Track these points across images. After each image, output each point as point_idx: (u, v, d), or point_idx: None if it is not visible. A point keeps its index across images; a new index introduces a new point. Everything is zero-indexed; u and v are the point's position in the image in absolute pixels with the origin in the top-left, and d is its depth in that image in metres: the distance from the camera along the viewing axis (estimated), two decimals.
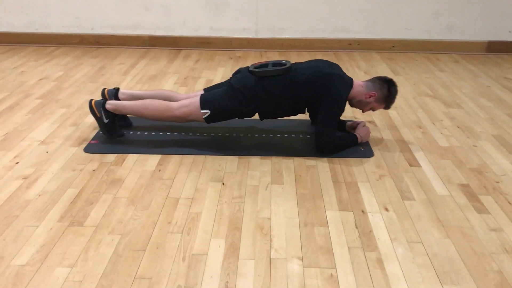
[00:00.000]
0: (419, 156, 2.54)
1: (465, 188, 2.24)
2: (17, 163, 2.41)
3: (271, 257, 1.77)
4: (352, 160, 2.49)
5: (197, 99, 2.58)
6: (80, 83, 3.60)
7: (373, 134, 2.80)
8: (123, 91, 2.83)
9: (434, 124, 2.95)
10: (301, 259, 1.76)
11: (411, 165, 2.45)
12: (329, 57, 4.38)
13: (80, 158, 2.47)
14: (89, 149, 2.57)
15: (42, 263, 1.72)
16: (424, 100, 3.35)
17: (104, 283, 1.63)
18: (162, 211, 2.03)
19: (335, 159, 2.50)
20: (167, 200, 2.11)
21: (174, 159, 2.48)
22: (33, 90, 3.42)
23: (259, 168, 2.40)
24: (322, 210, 2.05)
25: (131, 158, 2.48)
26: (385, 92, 2.58)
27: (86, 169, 2.37)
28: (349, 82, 2.56)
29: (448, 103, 3.30)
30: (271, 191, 2.19)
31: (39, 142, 2.64)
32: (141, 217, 1.99)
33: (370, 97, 2.59)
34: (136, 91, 2.85)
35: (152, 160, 2.46)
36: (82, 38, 4.60)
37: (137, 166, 2.40)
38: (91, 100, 2.64)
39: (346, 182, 2.28)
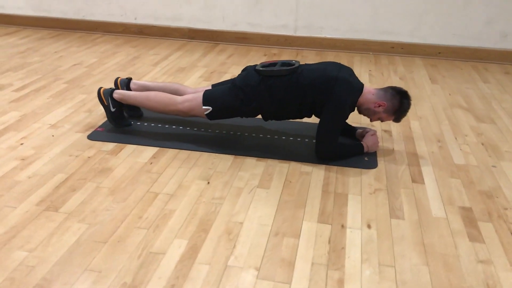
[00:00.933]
0: (427, 172, 2.36)
1: (466, 212, 2.05)
2: (21, 144, 2.50)
3: (228, 264, 1.71)
4: (351, 170, 2.35)
5: (201, 94, 2.55)
6: (110, 71, 3.68)
7: (385, 144, 2.64)
8: (135, 81, 2.85)
9: (456, 138, 2.73)
10: (258, 270, 1.68)
11: (413, 181, 2.27)
12: (369, 59, 4.19)
13: (81, 145, 2.51)
14: (92, 136, 2.62)
15: (4, 245, 1.76)
16: (454, 112, 3.11)
17: (54, 271, 1.64)
18: (137, 205, 2.02)
19: (334, 168, 2.37)
20: (146, 195, 2.10)
21: (170, 153, 2.46)
22: (63, 75, 3.54)
23: (251, 169, 2.33)
24: (300, 220, 1.95)
25: (129, 148, 2.49)
26: (396, 104, 2.42)
27: (83, 155, 2.40)
28: (357, 87, 2.42)
29: (480, 117, 3.05)
30: (254, 195, 2.12)
31: (49, 125, 2.73)
32: (115, 209, 1.99)
33: (379, 106, 2.43)
34: (148, 82, 2.86)
35: (148, 152, 2.46)
36: (126, 27, 4.71)
37: (132, 157, 2.41)
38: (100, 89, 2.68)
39: (336, 193, 2.16)
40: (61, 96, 3.15)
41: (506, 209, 2.08)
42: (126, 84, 2.84)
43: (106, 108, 2.68)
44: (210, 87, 2.72)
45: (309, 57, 4.22)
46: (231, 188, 2.16)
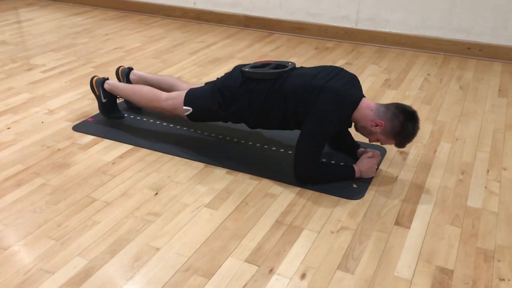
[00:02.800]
0: (422, 213, 1.88)
1: (442, 276, 1.57)
2: (8, 128, 2.49)
3: None
4: (328, 198, 1.96)
5: (184, 93, 2.32)
6: (143, 57, 3.59)
7: (390, 170, 2.18)
8: (135, 71, 2.70)
9: (488, 171, 2.17)
10: None
11: (396, 223, 1.82)
12: (435, 61, 3.59)
13: (62, 135, 2.43)
14: (78, 126, 2.52)
15: None
16: (507, 136, 2.49)
17: None
18: (66, 210, 1.87)
19: (308, 192, 2.00)
20: (83, 200, 1.93)
21: (141, 153, 2.28)
22: (97, 59, 3.52)
23: (213, 183, 2.05)
24: (224, 256, 1.64)
25: (104, 143, 2.35)
26: (397, 126, 1.96)
27: (54, 147, 2.32)
28: (349, 100, 2.00)
29: None
30: (195, 216, 1.85)
31: (47, 111, 2.69)
32: (43, 211, 1.86)
33: (376, 126, 1.99)
34: (147, 73, 2.69)
35: (119, 149, 2.30)
36: (184, 11, 4.60)
37: (99, 154, 2.26)
38: (93, 78, 2.57)
39: (290, 226, 1.80)
40: (79, 80, 3.12)
41: (502, 280, 1.57)
42: (126, 74, 2.70)
43: (98, 98, 2.57)
44: (202, 85, 2.47)
45: (366, 54, 3.74)
46: (176, 204, 1.91)
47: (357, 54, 3.74)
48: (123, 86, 2.50)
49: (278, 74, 2.12)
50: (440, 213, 1.89)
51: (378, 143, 2.15)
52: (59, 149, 2.30)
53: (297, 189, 2.03)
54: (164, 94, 2.38)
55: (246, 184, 2.05)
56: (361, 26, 3.98)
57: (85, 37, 4.03)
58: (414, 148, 2.37)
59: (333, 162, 2.23)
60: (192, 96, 2.29)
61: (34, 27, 4.26)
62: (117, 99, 2.61)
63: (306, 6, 4.11)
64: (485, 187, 2.06)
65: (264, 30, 4.30)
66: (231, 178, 2.09)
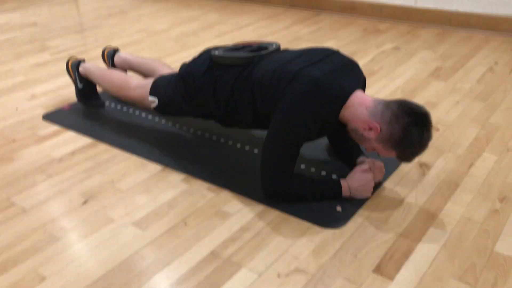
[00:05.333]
0: (420, 256, 1.31)
1: None
2: None
3: None
4: (295, 224, 1.46)
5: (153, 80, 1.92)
6: (163, 40, 3.24)
7: (399, 189, 1.61)
8: (120, 54, 2.35)
9: None
10: None
11: (377, 271, 1.28)
12: (511, 47, 2.85)
13: (27, 124, 2.15)
14: (49, 116, 2.23)
15: None
16: None
17: None
18: None
19: (274, 213, 1.51)
20: (1, 203, 1.61)
21: (98, 149, 1.92)
22: (115, 41, 3.23)
23: (158, 193, 1.63)
24: None
25: (65, 136, 2.03)
26: (397, 131, 1.40)
27: (10, 137, 2.04)
28: (333, 93, 1.46)
29: None
30: (112, 237, 1.44)
31: (30, 96, 2.44)
32: None
33: (369, 130, 1.45)
34: (130, 55, 2.32)
35: (76, 144, 1.96)
36: None
37: (52, 149, 1.94)
38: (69, 59, 2.26)
39: (228, 261, 1.33)
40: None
41: None
42: (111, 56, 2.36)
43: (74, 82, 2.26)
44: None
45: (422, 38, 3.07)
46: (99, 218, 1.53)
47: (412, 38, 3.08)
48: (95, 69, 2.16)
49: (249, 58, 1.64)
50: (448, 259, 1.31)
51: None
52: (14, 140, 2.02)
53: (261, 207, 1.54)
54: (135, 81, 1.99)
55: (199, 196, 1.61)
56: (422, 4, 3.30)
57: (116, 18, 3.78)
58: (441, 159, 1.76)
59: (323, 173, 1.71)
60: (157, 85, 1.88)
61: (71, 9, 4.10)
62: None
63: None
64: None
65: (311, 10, 3.76)
66: (184, 188, 1.66)
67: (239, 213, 1.52)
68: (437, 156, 1.78)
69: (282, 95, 1.47)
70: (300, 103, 1.44)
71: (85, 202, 1.60)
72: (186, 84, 1.75)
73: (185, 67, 1.79)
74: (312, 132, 1.48)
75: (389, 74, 2.53)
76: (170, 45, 3.12)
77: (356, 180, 1.54)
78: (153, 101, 1.87)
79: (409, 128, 1.39)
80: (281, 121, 1.47)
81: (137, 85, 1.96)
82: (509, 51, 2.79)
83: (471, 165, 1.72)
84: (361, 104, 1.47)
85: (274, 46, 1.72)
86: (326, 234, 1.42)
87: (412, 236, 1.40)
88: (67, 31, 3.49)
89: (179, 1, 4.26)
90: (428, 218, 1.47)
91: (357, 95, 1.49)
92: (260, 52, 1.65)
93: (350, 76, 1.55)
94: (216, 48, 1.78)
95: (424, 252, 1.33)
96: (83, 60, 2.23)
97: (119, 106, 2.28)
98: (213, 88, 1.68)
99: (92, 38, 3.32)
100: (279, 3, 3.94)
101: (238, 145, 1.91)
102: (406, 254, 1.33)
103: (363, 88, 1.62)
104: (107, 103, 2.30)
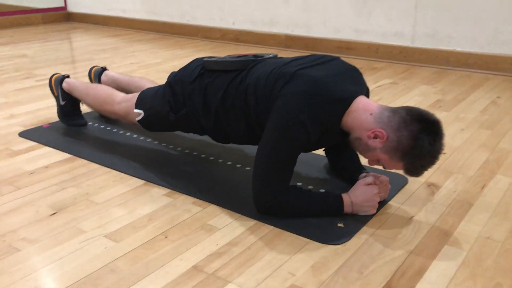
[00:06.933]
0: (437, 274, 1.13)
1: None
2: None
3: None
4: (291, 239, 1.27)
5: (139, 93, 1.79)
6: (154, 71, 3.15)
7: (406, 207, 1.44)
8: (107, 72, 2.23)
9: None
10: None
11: None
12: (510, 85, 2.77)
13: (1, 141, 1.99)
14: (25, 132, 2.07)
15: None
16: None
17: None
18: None
19: (267, 228, 1.33)
20: None
21: (75, 163, 1.75)
22: None
23: (138, 206, 1.45)
24: None
25: (41, 151, 1.87)
26: (407, 139, 1.25)
27: None
28: (336, 95, 1.33)
29: None
30: (80, 249, 1.25)
31: (9, 115, 2.29)
32: None
33: (374, 137, 1.30)
34: (118, 74, 2.20)
35: (52, 158, 1.80)
36: (223, 33, 4.16)
37: (25, 162, 1.77)
38: (52, 76, 2.13)
39: (212, 276, 1.14)
40: None
41: None
42: (99, 74, 2.24)
43: (56, 99, 2.12)
44: None
45: (420, 75, 3.00)
46: (68, 230, 1.34)
47: (409, 75, 3.01)
48: (79, 84, 2.03)
49: (243, 62, 1.52)
50: (469, 278, 1.12)
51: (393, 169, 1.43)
52: None
53: (252, 222, 1.36)
54: (120, 96, 1.86)
55: (182, 210, 1.43)
56: (419, 44, 3.26)
57: (109, 53, 3.71)
58: (451, 180, 1.61)
59: (322, 191, 1.54)
60: (144, 96, 1.75)
61: (63, 45, 4.04)
62: (81, 102, 2.14)
63: (353, 22, 3.49)
64: None
65: (307, 51, 3.72)
66: (166, 201, 1.48)
67: (227, 227, 1.34)
68: (446, 177, 1.63)
69: (277, 97, 1.33)
70: (298, 103, 1.30)
71: (54, 214, 1.42)
72: (174, 92, 1.62)
73: (174, 75, 1.67)
74: (311, 136, 1.33)
75: (389, 104, 2.42)
76: (161, 76, 3.02)
77: (359, 195, 1.38)
78: (139, 113, 1.73)
79: (420, 136, 1.24)
80: (276, 124, 1.32)
81: (122, 99, 1.83)
82: (509, 88, 2.71)
83: (484, 186, 1.57)
84: (366, 110, 1.34)
85: (271, 55, 1.61)
86: (327, 250, 1.24)
87: (425, 254, 1.22)
88: (57, 62, 3.40)
89: (174, 42, 4.22)
90: (442, 236, 1.29)
91: (362, 100, 1.36)
92: (255, 58, 1.54)
93: (354, 81, 1.43)
94: (208, 57, 1.66)
95: (441, 271, 1.15)
96: (67, 76, 2.10)
97: (102, 126, 2.13)
98: (203, 95, 1.55)
99: (82, 68, 3.22)
100: (274, 44, 3.90)
101: (229, 163, 1.75)
102: (420, 272, 1.15)
103: (367, 97, 1.49)
104: (90, 122, 2.16)
